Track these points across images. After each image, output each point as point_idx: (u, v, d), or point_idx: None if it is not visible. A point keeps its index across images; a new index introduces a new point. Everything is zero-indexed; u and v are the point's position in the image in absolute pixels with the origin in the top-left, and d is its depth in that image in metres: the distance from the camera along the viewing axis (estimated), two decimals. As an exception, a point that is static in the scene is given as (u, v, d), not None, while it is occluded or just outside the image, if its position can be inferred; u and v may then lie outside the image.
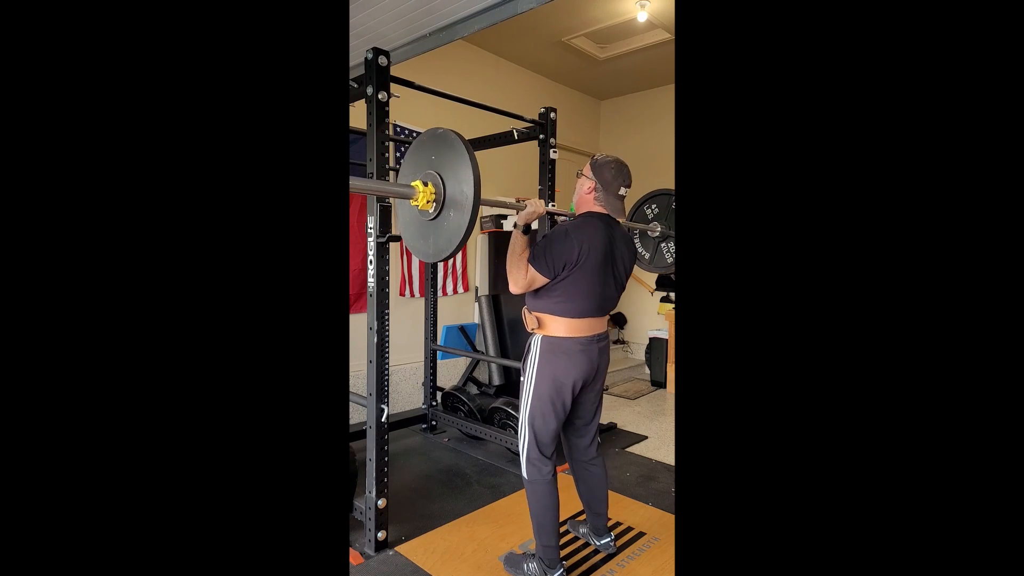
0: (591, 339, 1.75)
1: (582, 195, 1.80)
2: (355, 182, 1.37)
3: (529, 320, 1.78)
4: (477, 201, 1.41)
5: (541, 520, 1.77)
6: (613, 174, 1.75)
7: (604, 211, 1.77)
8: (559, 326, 1.72)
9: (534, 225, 1.77)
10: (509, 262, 1.70)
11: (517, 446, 1.88)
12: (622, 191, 1.76)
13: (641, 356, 5.22)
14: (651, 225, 2.44)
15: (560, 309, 1.71)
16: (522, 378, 1.81)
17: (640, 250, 2.54)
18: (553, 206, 2.55)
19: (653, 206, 2.49)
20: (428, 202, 1.50)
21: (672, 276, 4.72)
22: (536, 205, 1.71)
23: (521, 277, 1.68)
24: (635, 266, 2.02)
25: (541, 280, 1.69)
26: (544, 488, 1.76)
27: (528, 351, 1.79)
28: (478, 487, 2.58)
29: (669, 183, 2.41)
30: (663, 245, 2.46)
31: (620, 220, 1.84)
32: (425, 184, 1.50)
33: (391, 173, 3.36)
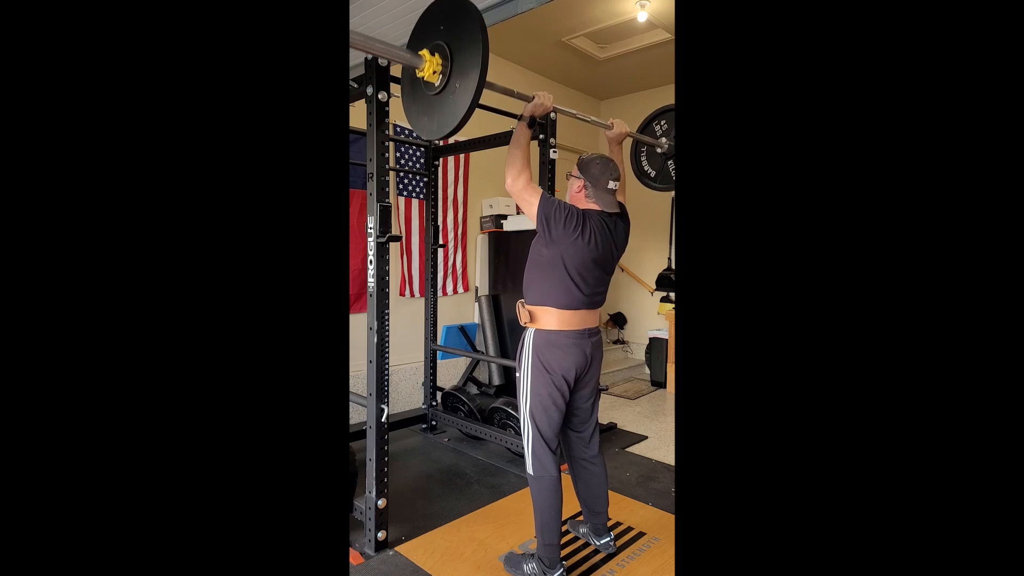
0: (583, 332, 1.78)
1: (573, 194, 1.84)
2: (355, 37, 1.29)
3: (522, 314, 1.81)
4: (483, 78, 1.35)
5: (545, 518, 1.77)
6: (600, 169, 1.78)
7: (597, 207, 1.79)
8: (551, 319, 1.75)
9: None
10: (511, 155, 1.71)
11: (520, 446, 1.88)
12: (611, 184, 1.79)
13: (641, 356, 5.22)
14: (659, 140, 2.41)
15: (553, 300, 1.74)
16: (517, 375, 1.83)
17: (646, 167, 2.50)
18: (555, 153, 2.58)
19: (663, 122, 2.42)
20: (435, 72, 1.43)
21: (672, 276, 4.72)
22: (544, 98, 1.73)
23: (522, 177, 1.69)
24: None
25: (533, 203, 1.69)
26: (549, 484, 1.77)
27: (522, 346, 1.82)
28: (478, 487, 2.58)
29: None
30: (669, 163, 2.42)
31: (616, 205, 1.85)
32: (432, 54, 1.42)
33: (391, 173, 3.36)
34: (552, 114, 2.68)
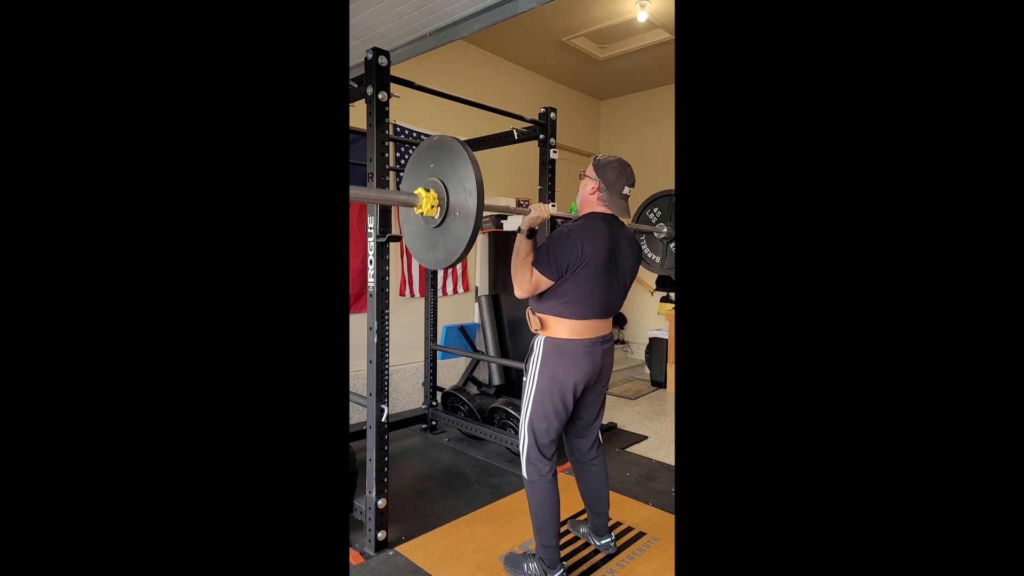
0: (595, 341, 1.74)
1: (585, 196, 1.80)
2: (356, 191, 1.37)
3: (532, 321, 1.77)
4: (481, 200, 1.41)
5: (541, 520, 1.77)
6: (616, 174, 1.74)
7: (608, 211, 1.76)
8: (563, 328, 1.72)
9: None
10: (513, 267, 1.70)
11: (517, 446, 1.88)
12: (626, 190, 1.76)
13: (641, 356, 5.22)
14: (657, 227, 2.43)
15: (564, 311, 1.70)
16: (524, 378, 1.81)
17: (649, 254, 2.52)
18: (554, 207, 2.55)
19: (656, 210, 2.49)
20: (432, 207, 1.49)
21: (672, 276, 4.72)
22: (540, 210, 1.71)
23: (526, 281, 1.68)
24: (641, 267, 2.02)
25: (546, 283, 1.68)
26: (544, 488, 1.76)
27: (531, 352, 1.79)
28: (478, 487, 2.58)
29: (669, 183, 2.40)
30: (671, 246, 2.44)
31: (625, 221, 1.84)
32: (427, 191, 1.50)
33: (391, 173, 3.36)
34: (552, 114, 2.68)
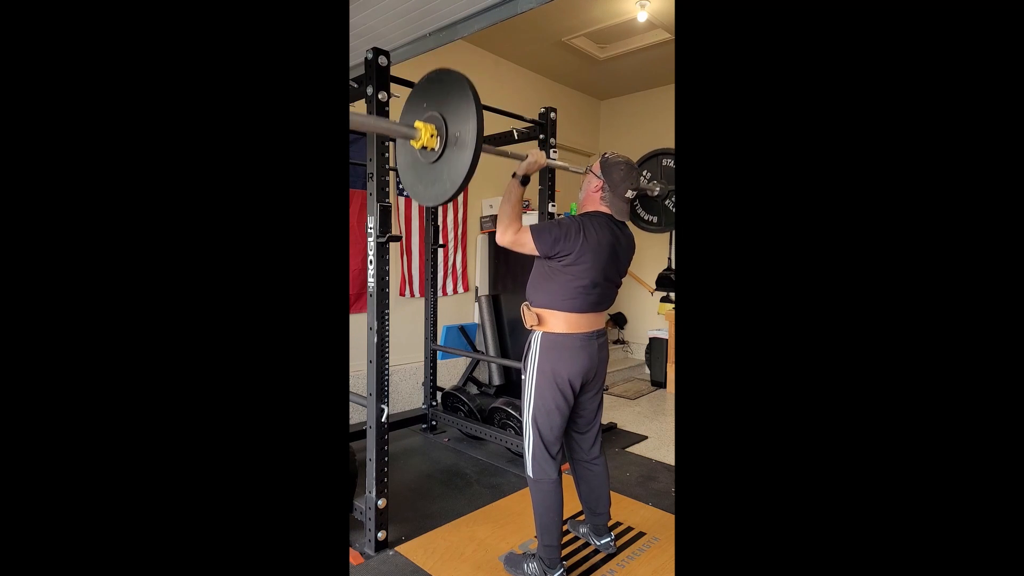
0: (590, 335, 1.75)
1: (589, 192, 1.80)
2: (355, 118, 1.34)
3: (528, 317, 1.77)
4: (480, 135, 1.39)
5: (545, 520, 1.76)
6: (622, 175, 1.75)
7: (609, 212, 1.77)
8: (559, 322, 1.72)
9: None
10: (502, 211, 1.70)
11: (520, 446, 1.88)
12: (629, 193, 1.76)
13: (641, 356, 5.22)
14: (649, 185, 2.41)
15: (560, 305, 1.71)
16: (523, 376, 1.81)
17: (646, 216, 2.49)
18: (555, 153, 2.57)
19: (645, 172, 2.44)
20: (432, 136, 1.47)
21: (672, 276, 4.72)
22: (536, 155, 1.74)
23: (512, 231, 1.67)
24: (642, 231, 2.06)
25: (529, 246, 1.67)
26: (549, 488, 1.75)
27: (528, 349, 1.79)
28: (478, 487, 2.58)
29: (673, 147, 2.37)
30: (667, 202, 2.41)
31: (628, 215, 1.84)
32: (425, 123, 1.48)
33: (391, 173, 3.36)
34: (552, 114, 2.68)
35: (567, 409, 1.77)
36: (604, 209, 1.77)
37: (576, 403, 1.83)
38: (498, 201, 4.21)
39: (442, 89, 1.49)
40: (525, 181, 1.73)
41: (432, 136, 1.47)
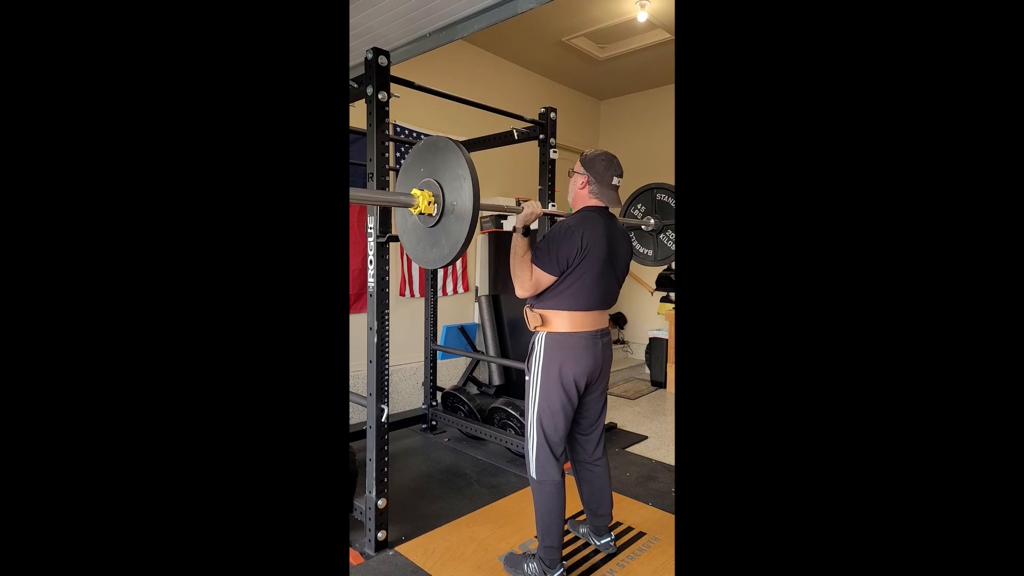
0: (595, 334, 1.76)
1: (577, 191, 1.82)
2: (355, 193, 1.39)
3: (532, 318, 1.77)
4: (477, 197, 1.43)
5: (547, 521, 1.76)
6: (604, 165, 1.77)
7: (601, 203, 1.79)
8: (563, 322, 1.73)
9: (533, 226, 1.79)
10: (513, 265, 1.71)
11: (520, 446, 1.88)
12: (615, 181, 1.78)
13: (641, 356, 5.22)
14: (644, 220, 2.45)
15: (564, 304, 1.72)
16: (527, 377, 1.81)
17: (642, 249, 2.53)
18: (553, 206, 2.56)
19: (639, 205, 2.51)
20: (430, 203, 1.51)
21: (672, 276, 4.72)
22: (533, 207, 1.73)
23: (527, 279, 1.69)
24: (635, 262, 2.02)
25: (548, 279, 1.69)
26: (553, 489, 1.75)
27: (532, 350, 1.79)
28: (478, 487, 2.58)
29: (669, 183, 2.41)
30: (661, 236, 2.46)
31: (615, 211, 1.85)
32: (422, 190, 1.53)
33: (391, 173, 3.36)
34: (552, 114, 2.68)
35: (571, 410, 1.77)
36: (595, 202, 1.79)
37: (580, 404, 1.83)
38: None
39: (437, 156, 1.54)
40: (526, 232, 1.74)
41: (430, 203, 1.52)
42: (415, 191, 1.53)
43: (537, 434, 1.76)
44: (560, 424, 1.75)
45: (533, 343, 1.79)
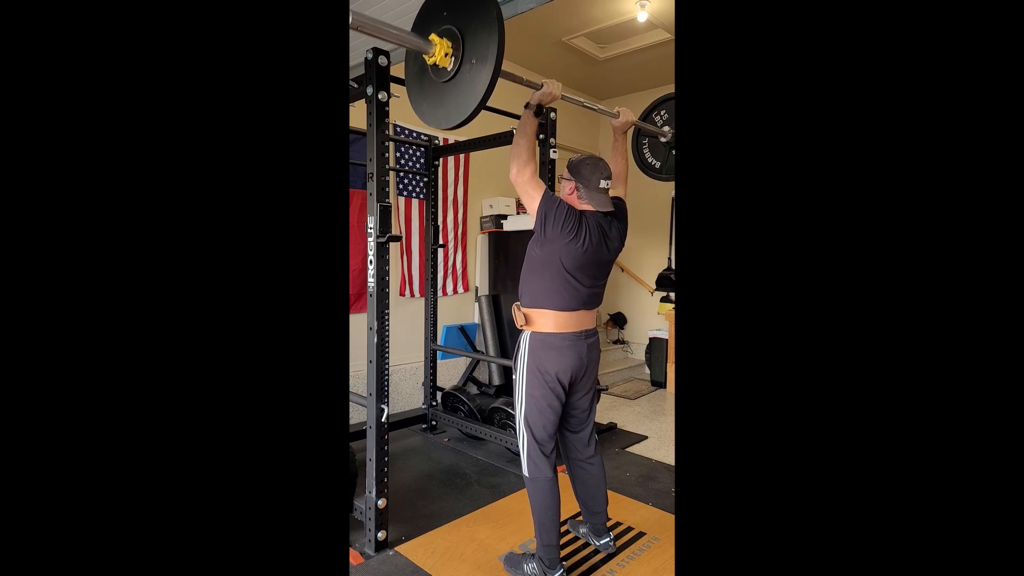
0: (579, 335, 1.77)
1: (565, 196, 1.83)
2: (362, 20, 1.23)
3: (517, 317, 1.80)
4: (501, 53, 1.27)
5: (542, 519, 1.77)
6: (590, 170, 1.78)
7: (591, 207, 1.79)
8: (547, 322, 1.74)
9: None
10: (517, 145, 1.70)
11: (517, 445, 1.88)
12: (603, 184, 1.79)
13: (641, 356, 5.22)
14: (663, 130, 2.37)
15: (548, 302, 1.73)
16: (513, 376, 1.83)
17: (650, 159, 2.45)
18: (555, 153, 2.56)
19: (663, 112, 2.40)
20: (446, 55, 1.36)
21: (672, 276, 4.72)
22: (552, 86, 1.73)
23: (528, 169, 1.68)
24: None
25: (536, 197, 1.67)
26: (545, 486, 1.77)
27: (517, 350, 1.82)
28: (478, 487, 2.58)
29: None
30: (674, 152, 2.38)
31: (610, 204, 1.84)
32: (442, 38, 1.36)
33: (391, 173, 3.36)
34: (552, 114, 2.68)
35: (559, 406, 1.79)
36: (586, 206, 1.79)
37: (568, 402, 1.84)
38: (497, 201, 4.22)
39: (466, 3, 1.35)
40: (538, 112, 1.71)
41: (446, 55, 1.35)
42: (434, 36, 1.36)
43: (526, 433, 1.79)
44: (548, 421, 1.77)
45: (518, 344, 1.81)
